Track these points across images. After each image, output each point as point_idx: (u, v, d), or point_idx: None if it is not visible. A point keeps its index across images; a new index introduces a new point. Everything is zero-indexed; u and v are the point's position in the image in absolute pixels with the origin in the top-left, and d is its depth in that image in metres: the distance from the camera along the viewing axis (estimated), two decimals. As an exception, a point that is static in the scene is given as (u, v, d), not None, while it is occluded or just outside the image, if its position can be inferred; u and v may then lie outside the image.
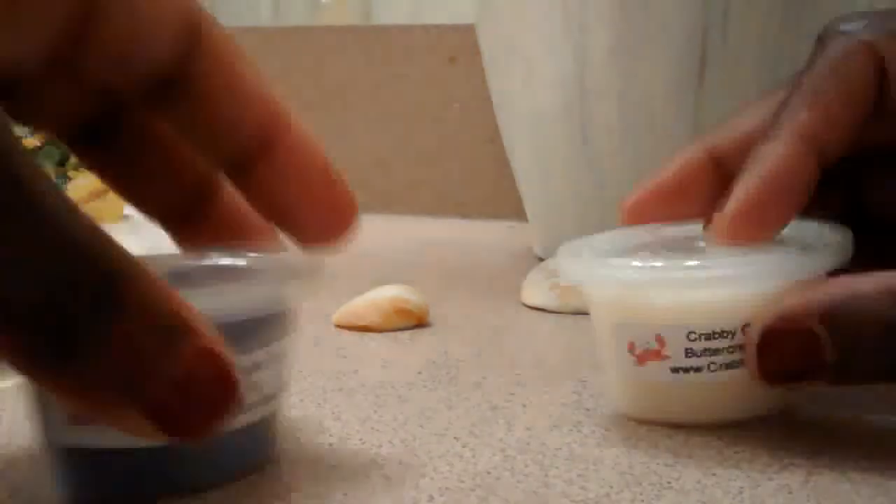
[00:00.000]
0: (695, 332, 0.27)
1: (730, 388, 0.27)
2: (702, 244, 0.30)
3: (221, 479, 0.24)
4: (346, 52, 0.85)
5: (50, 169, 0.63)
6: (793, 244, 0.28)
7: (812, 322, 0.25)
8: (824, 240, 0.28)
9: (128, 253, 0.18)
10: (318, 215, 0.24)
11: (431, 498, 0.23)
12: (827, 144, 0.27)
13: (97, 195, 0.64)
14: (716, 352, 0.27)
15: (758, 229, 0.27)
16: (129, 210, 0.67)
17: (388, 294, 0.41)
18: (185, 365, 0.18)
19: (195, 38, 0.22)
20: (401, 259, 0.57)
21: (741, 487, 0.24)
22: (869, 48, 0.27)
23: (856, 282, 0.25)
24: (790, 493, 0.24)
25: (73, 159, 0.63)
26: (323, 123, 0.86)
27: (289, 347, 0.25)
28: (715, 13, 0.44)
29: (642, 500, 0.23)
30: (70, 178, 0.63)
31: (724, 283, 0.27)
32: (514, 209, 0.73)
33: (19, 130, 0.68)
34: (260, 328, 0.23)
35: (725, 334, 0.27)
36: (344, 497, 0.23)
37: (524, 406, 0.31)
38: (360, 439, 0.28)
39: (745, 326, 0.27)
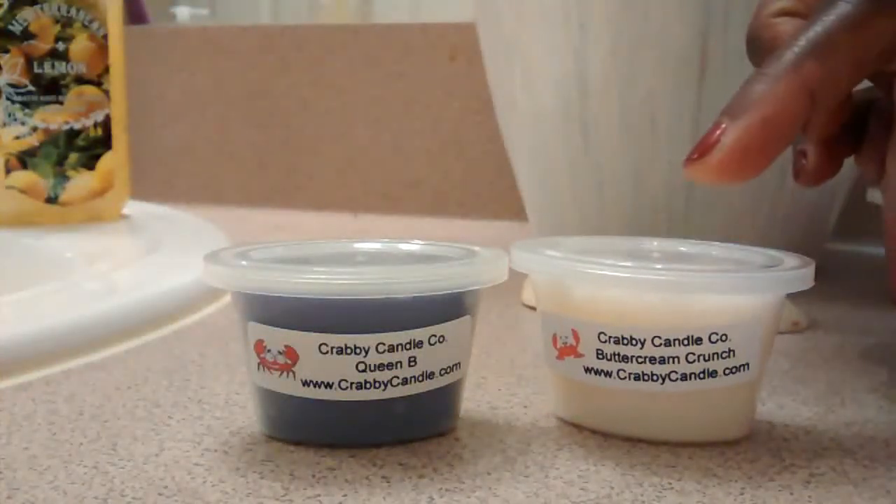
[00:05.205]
0: (605, 333, 0.27)
1: (642, 402, 0.27)
2: (684, 251, 0.30)
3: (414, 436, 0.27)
4: (346, 50, 0.85)
5: (48, 168, 0.62)
6: (751, 266, 0.27)
7: None
8: (785, 265, 0.27)
9: None
10: None
11: (431, 499, 0.23)
12: (825, 98, 0.27)
13: (97, 195, 0.64)
14: (625, 359, 0.26)
15: (747, 170, 0.27)
16: (128, 209, 0.67)
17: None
18: None
19: None
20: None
21: (742, 488, 0.24)
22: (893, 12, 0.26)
23: None
24: (792, 493, 0.24)
25: (71, 159, 0.63)
26: (323, 123, 0.86)
27: (472, 324, 0.28)
28: (715, 13, 0.44)
29: (643, 501, 0.23)
30: (69, 178, 0.63)
31: (633, 285, 0.26)
32: (514, 209, 0.73)
33: (18, 129, 0.67)
34: (455, 302, 0.27)
35: (635, 342, 0.26)
36: (344, 498, 0.23)
37: (525, 407, 0.31)
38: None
39: (654, 338, 0.26)
